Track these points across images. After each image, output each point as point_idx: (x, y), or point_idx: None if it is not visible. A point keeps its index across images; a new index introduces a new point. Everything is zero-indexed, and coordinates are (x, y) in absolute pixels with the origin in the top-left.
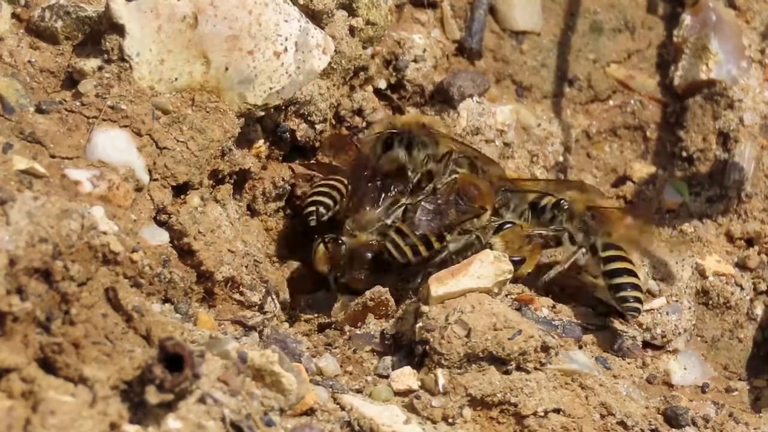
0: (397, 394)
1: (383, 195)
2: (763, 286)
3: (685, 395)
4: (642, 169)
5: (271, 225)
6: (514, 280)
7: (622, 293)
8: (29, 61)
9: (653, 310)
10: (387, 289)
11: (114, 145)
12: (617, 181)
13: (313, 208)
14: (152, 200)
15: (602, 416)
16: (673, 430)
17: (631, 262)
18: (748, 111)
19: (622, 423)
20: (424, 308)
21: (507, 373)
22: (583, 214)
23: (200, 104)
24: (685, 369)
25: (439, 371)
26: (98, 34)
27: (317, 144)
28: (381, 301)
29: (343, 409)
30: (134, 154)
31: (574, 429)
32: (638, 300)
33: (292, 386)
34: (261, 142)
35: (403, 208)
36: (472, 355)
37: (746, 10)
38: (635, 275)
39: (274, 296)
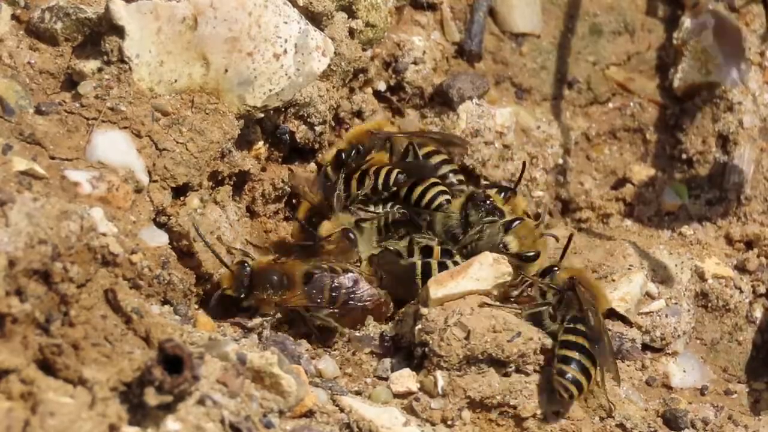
0: (397, 396)
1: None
2: (762, 289)
3: (684, 398)
4: (641, 172)
5: (271, 227)
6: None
7: (564, 367)
8: (29, 63)
9: (652, 312)
10: (385, 291)
11: (113, 146)
12: (617, 184)
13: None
14: (152, 202)
15: (601, 418)
16: None
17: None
18: (747, 114)
19: (621, 425)
20: (424, 310)
21: (506, 375)
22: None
23: (200, 106)
24: (684, 371)
25: (439, 373)
26: (98, 36)
27: (317, 146)
28: (380, 303)
29: (342, 410)
30: (134, 155)
31: (574, 431)
32: (576, 383)
33: (292, 388)
34: (260, 143)
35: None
36: (472, 357)
37: (746, 12)
38: (591, 358)
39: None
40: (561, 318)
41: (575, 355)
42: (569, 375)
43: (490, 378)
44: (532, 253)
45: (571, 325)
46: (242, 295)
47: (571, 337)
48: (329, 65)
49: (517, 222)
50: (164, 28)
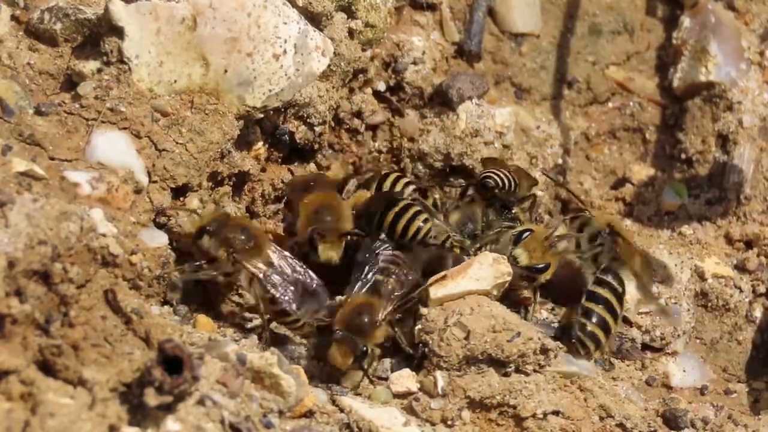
0: (396, 396)
1: None
2: (762, 289)
3: (684, 397)
4: (641, 171)
5: (270, 227)
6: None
7: (584, 321)
8: (28, 63)
9: (652, 312)
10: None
11: (113, 147)
12: (616, 183)
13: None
14: (151, 202)
15: (601, 418)
16: None
17: (618, 298)
18: (747, 113)
19: (621, 425)
20: (423, 310)
21: (506, 375)
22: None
23: (199, 106)
24: (684, 371)
25: (438, 373)
26: (97, 37)
27: (316, 146)
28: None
29: (342, 411)
30: (133, 156)
31: (573, 431)
32: (593, 337)
33: (291, 388)
34: (260, 144)
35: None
36: (471, 357)
37: (745, 12)
38: (614, 313)
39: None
40: (595, 266)
41: (598, 308)
42: (588, 329)
43: (490, 378)
44: (541, 266)
45: (602, 276)
46: (210, 228)
47: (599, 290)
48: (329, 65)
49: (527, 234)
50: (164, 29)
